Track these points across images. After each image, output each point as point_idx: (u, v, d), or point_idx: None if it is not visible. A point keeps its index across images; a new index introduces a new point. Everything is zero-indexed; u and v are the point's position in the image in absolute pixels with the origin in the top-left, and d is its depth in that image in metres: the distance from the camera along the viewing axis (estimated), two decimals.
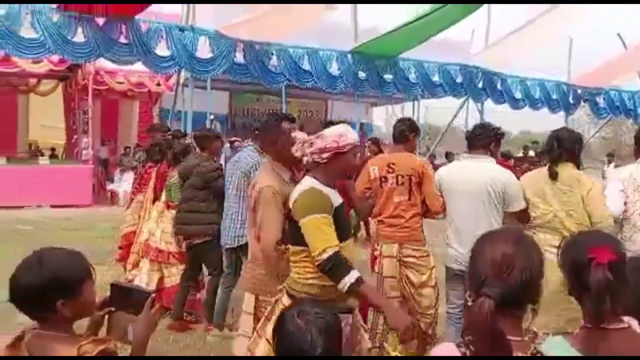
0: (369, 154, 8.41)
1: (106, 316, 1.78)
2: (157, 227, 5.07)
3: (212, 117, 11.00)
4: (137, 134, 15.19)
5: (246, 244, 4.23)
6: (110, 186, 13.01)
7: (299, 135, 2.60)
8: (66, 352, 1.57)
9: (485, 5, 9.33)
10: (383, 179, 3.78)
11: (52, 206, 10.86)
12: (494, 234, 1.50)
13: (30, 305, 1.61)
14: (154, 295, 1.78)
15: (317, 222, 2.29)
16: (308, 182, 2.43)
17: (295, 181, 2.73)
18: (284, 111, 13.58)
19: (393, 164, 3.76)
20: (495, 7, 11.33)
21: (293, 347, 1.44)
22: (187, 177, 4.69)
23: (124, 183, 12.63)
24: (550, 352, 1.41)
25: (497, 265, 1.35)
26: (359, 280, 2.25)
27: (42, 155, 14.02)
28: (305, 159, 2.48)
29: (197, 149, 4.96)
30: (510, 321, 1.34)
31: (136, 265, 5.34)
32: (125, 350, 1.78)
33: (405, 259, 3.68)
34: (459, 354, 1.32)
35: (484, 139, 3.61)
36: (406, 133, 3.89)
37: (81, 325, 1.70)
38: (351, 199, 3.58)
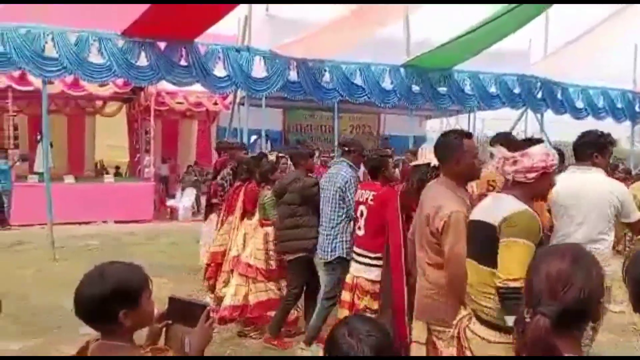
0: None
1: (164, 329, 1.84)
2: (248, 243, 5.10)
3: (255, 136, 11.14)
4: (196, 151, 15.73)
5: (338, 258, 4.35)
6: (170, 202, 13.47)
7: (498, 151, 2.45)
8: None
9: (543, 14, 9.06)
10: (483, 197, 3.65)
11: (116, 222, 11.35)
12: (551, 250, 1.45)
13: (94, 317, 1.70)
14: (209, 308, 1.83)
15: (526, 249, 2.13)
16: (516, 202, 2.27)
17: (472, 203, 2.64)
18: (335, 127, 13.69)
19: (494, 181, 3.60)
20: (554, 15, 10.99)
21: None
22: (282, 194, 4.72)
23: (185, 199, 13.09)
24: None
25: (553, 282, 1.32)
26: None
27: (107, 173, 14.74)
28: (507, 177, 2.36)
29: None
30: (567, 339, 1.31)
31: (227, 282, 5.40)
32: None
33: None
34: None
35: (585, 149, 3.41)
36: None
37: (140, 335, 1.78)
38: None
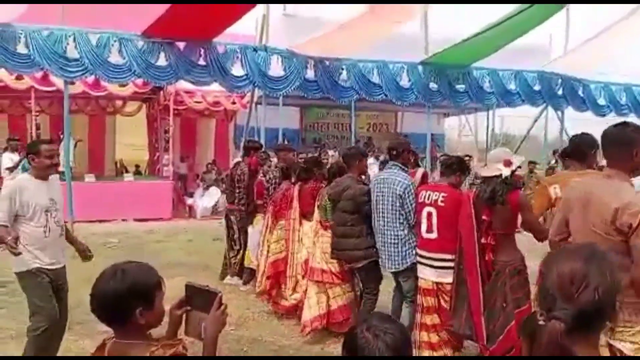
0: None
1: (184, 315, 1.88)
2: (316, 247, 4.99)
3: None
4: (214, 150, 15.83)
5: (407, 268, 4.26)
6: (189, 201, 13.59)
7: None
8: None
9: (564, 9, 8.92)
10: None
11: (135, 220, 11.49)
12: (563, 251, 1.43)
13: (110, 313, 1.73)
14: (220, 295, 1.86)
15: None
16: None
17: None
18: (352, 125, 13.66)
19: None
20: (575, 10, 10.81)
21: None
22: (337, 200, 4.68)
23: (206, 198, 13.17)
24: None
25: (567, 285, 1.29)
26: None
27: (127, 172, 14.92)
28: None
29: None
30: (584, 342, 1.28)
31: (294, 288, 5.29)
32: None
33: None
34: None
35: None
36: (582, 148, 3.71)
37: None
38: (528, 221, 3.60)
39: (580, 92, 10.46)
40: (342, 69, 8.87)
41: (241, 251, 6.68)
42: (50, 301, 3.78)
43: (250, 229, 6.49)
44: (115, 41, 7.51)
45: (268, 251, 5.65)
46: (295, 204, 5.38)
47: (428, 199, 4.07)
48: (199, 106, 13.71)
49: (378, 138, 17.41)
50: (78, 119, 14.78)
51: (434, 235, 4.02)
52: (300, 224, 5.35)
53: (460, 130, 21.78)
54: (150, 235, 10.05)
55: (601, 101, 10.69)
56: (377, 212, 4.41)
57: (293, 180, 5.70)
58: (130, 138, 18.38)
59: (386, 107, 14.40)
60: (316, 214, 5.09)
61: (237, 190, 6.61)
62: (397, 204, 4.26)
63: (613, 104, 10.77)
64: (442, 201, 3.97)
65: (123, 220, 11.49)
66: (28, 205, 3.64)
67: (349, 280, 4.91)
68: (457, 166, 4.15)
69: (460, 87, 9.53)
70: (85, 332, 4.67)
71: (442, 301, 4.02)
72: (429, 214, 4.03)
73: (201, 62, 7.81)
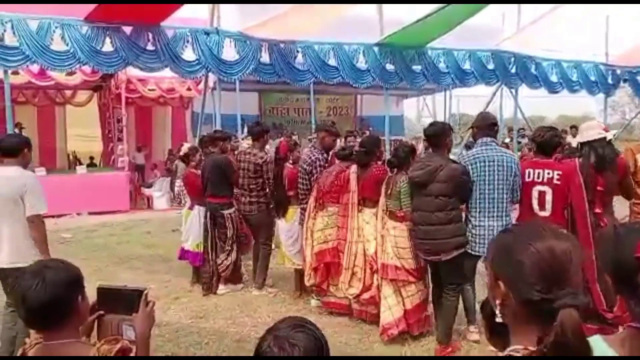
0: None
1: (95, 321, 1.80)
2: (386, 240, 4.51)
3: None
4: (171, 138, 15.45)
5: None
6: (146, 192, 13.24)
7: None
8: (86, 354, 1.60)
9: None
10: None
11: (91, 213, 11.11)
12: (536, 229, 1.23)
13: (55, 307, 1.62)
14: (146, 292, 1.79)
15: None
16: None
17: None
18: (312, 109, 13.55)
19: None
20: None
21: None
22: (425, 184, 4.12)
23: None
24: None
25: (566, 265, 1.13)
26: None
27: (81, 164, 14.41)
28: None
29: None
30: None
31: (350, 282, 4.78)
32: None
33: None
34: None
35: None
36: None
37: None
38: (627, 185, 4.24)
39: (532, 70, 10.63)
40: (298, 52, 8.71)
41: (232, 252, 5.88)
42: None
43: (281, 224, 5.79)
44: (56, 27, 7.14)
45: (313, 240, 5.11)
46: (353, 187, 4.86)
47: (538, 177, 4.05)
48: (153, 94, 13.31)
49: (339, 121, 17.36)
50: (25, 111, 14.18)
51: (547, 213, 4.01)
52: (360, 210, 4.84)
53: (419, 112, 21.99)
54: (105, 229, 9.74)
55: (553, 78, 10.91)
56: (485, 192, 4.10)
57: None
58: (83, 129, 17.76)
59: (345, 90, 14.33)
60: (382, 203, 4.57)
61: (254, 182, 5.82)
62: (511, 181, 4.11)
63: (565, 80, 11.01)
64: (558, 179, 3.98)
65: (78, 214, 11.10)
66: None
67: (422, 277, 4.51)
68: (557, 142, 4.18)
69: (417, 67, 9.54)
70: None
71: None
72: (541, 193, 4.03)
73: (150, 47, 7.53)
